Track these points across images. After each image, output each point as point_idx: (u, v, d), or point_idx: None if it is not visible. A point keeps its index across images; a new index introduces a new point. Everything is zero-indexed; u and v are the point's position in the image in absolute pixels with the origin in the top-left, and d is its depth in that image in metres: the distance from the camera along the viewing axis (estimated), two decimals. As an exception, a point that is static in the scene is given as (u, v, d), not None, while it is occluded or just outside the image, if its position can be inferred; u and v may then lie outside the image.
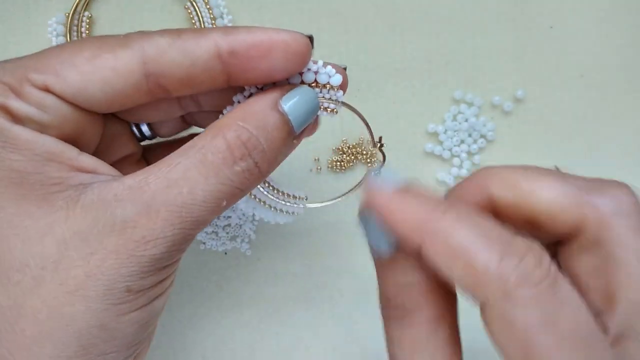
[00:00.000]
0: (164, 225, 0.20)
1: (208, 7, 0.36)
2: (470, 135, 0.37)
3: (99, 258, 0.19)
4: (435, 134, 0.37)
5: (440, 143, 0.37)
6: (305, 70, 0.23)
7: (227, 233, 0.35)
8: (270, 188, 0.27)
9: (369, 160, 0.36)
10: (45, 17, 0.36)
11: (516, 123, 0.37)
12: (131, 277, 0.20)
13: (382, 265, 0.21)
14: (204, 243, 0.35)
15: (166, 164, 0.20)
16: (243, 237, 0.35)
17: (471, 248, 0.17)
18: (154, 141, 0.28)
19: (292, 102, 0.22)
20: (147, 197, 0.20)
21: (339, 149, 0.36)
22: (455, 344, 0.21)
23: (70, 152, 0.21)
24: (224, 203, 0.21)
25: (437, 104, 0.37)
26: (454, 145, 0.36)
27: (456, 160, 0.36)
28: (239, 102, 0.23)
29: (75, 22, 0.35)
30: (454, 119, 0.37)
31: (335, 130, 0.36)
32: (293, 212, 0.27)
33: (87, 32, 0.35)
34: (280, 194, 0.27)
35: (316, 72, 0.23)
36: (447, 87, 0.37)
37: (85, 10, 0.35)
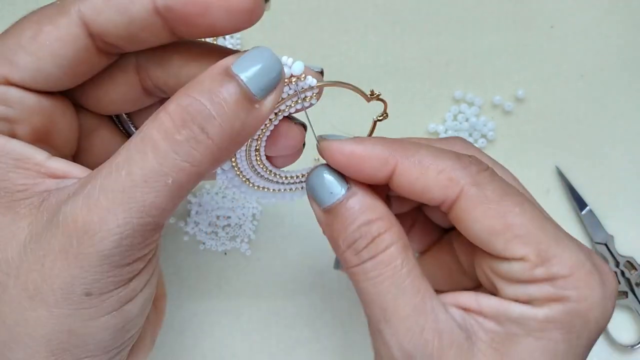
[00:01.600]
0: (104, 215, 0.18)
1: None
2: (470, 135, 0.37)
3: (51, 260, 0.18)
4: (436, 134, 0.37)
5: (441, 143, 0.37)
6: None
7: (227, 233, 0.35)
8: (270, 173, 0.26)
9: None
10: (44, 16, 0.35)
11: (516, 123, 0.37)
12: (85, 278, 0.18)
13: (335, 215, 0.23)
14: (204, 243, 0.35)
15: (115, 153, 0.19)
16: (243, 238, 0.35)
17: (440, 161, 0.22)
18: None
19: (245, 63, 0.19)
20: (89, 188, 0.18)
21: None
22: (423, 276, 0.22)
23: (39, 157, 0.20)
24: (170, 181, 0.18)
25: (438, 104, 0.37)
26: (455, 145, 0.36)
27: (456, 160, 0.36)
28: None
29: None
30: (455, 118, 0.37)
31: (334, 130, 0.36)
32: (296, 191, 0.27)
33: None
34: (279, 177, 0.26)
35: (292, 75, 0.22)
36: (447, 86, 0.37)
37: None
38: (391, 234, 0.22)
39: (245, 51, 0.20)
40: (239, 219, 0.35)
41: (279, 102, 0.22)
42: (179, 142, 0.18)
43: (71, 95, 0.23)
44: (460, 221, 0.22)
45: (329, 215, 0.23)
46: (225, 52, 0.22)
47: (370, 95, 0.25)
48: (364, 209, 0.22)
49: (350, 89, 0.24)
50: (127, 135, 0.26)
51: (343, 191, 0.23)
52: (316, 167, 0.24)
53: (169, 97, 0.20)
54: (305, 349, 0.35)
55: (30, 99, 0.21)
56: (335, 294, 0.35)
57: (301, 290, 0.35)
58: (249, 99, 0.20)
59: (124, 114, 0.25)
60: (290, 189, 0.26)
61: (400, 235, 0.22)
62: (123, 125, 0.26)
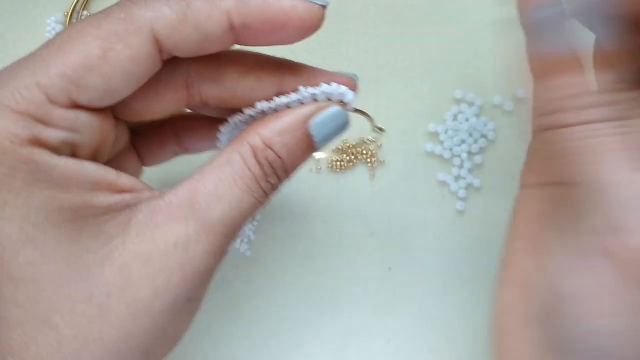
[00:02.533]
0: (221, 240, 0.21)
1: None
2: (471, 135, 0.37)
3: (166, 277, 0.20)
4: (436, 134, 0.37)
5: (441, 143, 0.37)
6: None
7: (227, 233, 0.35)
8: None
9: (369, 160, 0.36)
10: (44, 16, 0.35)
11: (517, 123, 0.37)
12: (194, 289, 0.21)
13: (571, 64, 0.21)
14: (204, 243, 0.35)
15: (210, 180, 0.21)
16: (243, 238, 0.35)
17: None
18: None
19: (322, 125, 0.22)
20: (202, 214, 0.21)
21: (339, 149, 0.36)
22: None
23: (110, 176, 0.21)
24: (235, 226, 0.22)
25: (438, 104, 0.37)
26: (455, 145, 0.36)
27: (457, 160, 0.36)
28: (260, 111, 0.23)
29: (74, 21, 0.35)
30: (455, 118, 0.37)
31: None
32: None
33: (86, 31, 0.35)
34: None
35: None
36: (447, 86, 0.37)
37: (84, 9, 0.35)
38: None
39: (321, 104, 0.23)
40: (239, 219, 0.35)
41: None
42: (268, 187, 0.22)
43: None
44: None
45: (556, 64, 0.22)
46: (280, 64, 0.24)
47: (378, 128, 0.27)
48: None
49: (367, 118, 0.27)
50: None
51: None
52: None
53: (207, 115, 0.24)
54: (306, 349, 0.35)
55: (96, 121, 0.20)
56: (335, 294, 0.35)
57: (301, 291, 0.35)
58: (314, 151, 0.23)
59: None
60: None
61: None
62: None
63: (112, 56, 0.19)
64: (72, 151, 0.20)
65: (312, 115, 0.22)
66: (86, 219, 0.20)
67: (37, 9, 0.35)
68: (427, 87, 0.37)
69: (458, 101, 0.37)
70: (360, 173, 0.36)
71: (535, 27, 0.21)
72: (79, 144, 0.20)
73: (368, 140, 0.36)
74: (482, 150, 0.37)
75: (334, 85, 0.23)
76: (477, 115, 0.37)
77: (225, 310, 0.35)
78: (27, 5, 0.35)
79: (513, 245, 0.25)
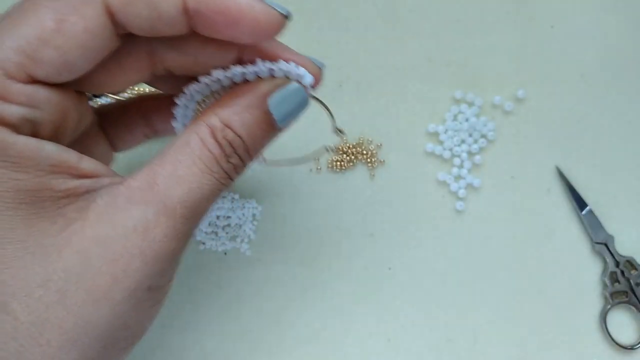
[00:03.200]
0: (182, 222, 0.20)
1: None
2: (470, 135, 0.37)
3: (125, 261, 0.19)
4: (435, 134, 0.37)
5: (441, 143, 0.37)
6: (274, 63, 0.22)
7: (227, 233, 0.35)
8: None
9: (369, 160, 0.36)
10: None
11: (517, 123, 0.37)
12: (154, 276, 0.20)
13: None
14: (204, 243, 0.35)
15: (168, 162, 0.21)
16: (243, 238, 0.35)
17: None
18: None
19: (280, 102, 0.22)
20: (162, 197, 0.20)
21: (339, 148, 0.36)
22: None
23: (72, 158, 0.20)
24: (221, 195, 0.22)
25: (438, 104, 0.37)
26: (455, 145, 0.36)
27: (457, 160, 0.36)
28: (217, 79, 0.23)
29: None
30: (455, 118, 0.37)
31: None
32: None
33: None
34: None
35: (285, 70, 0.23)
36: (447, 86, 0.37)
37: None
38: None
39: (279, 80, 0.22)
40: (239, 219, 0.35)
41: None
42: (229, 168, 0.22)
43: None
44: None
45: None
46: None
47: (338, 129, 0.26)
48: None
49: (326, 112, 0.26)
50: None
51: None
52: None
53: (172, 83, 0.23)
54: (306, 349, 0.35)
55: (56, 96, 0.20)
56: (335, 294, 0.35)
57: (301, 290, 0.35)
58: (275, 130, 0.23)
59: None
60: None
61: None
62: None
63: (66, 28, 0.19)
64: (32, 130, 0.19)
65: (269, 92, 0.22)
66: (44, 202, 0.19)
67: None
68: (428, 87, 0.37)
69: (458, 101, 0.37)
70: (360, 173, 0.36)
71: None
72: (39, 121, 0.19)
73: (368, 140, 0.36)
74: (481, 150, 0.37)
75: (292, 65, 0.22)
76: (477, 115, 0.37)
77: (226, 310, 0.35)
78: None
79: None
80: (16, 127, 0.19)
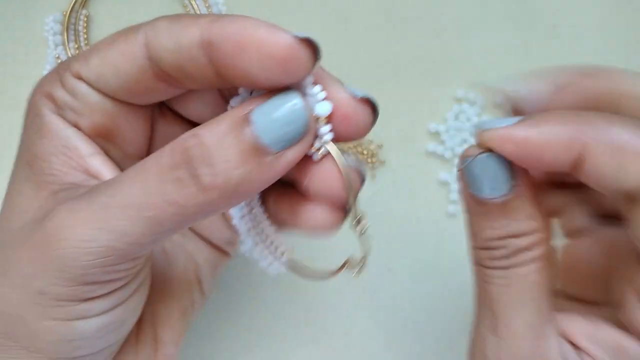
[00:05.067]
0: (77, 227, 0.18)
1: (207, 5, 0.36)
2: (472, 135, 0.36)
3: (26, 249, 0.19)
4: (437, 134, 0.36)
5: (442, 143, 0.36)
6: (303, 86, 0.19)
7: (227, 233, 0.35)
8: (260, 228, 0.24)
9: (369, 160, 0.36)
10: (42, 15, 0.35)
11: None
12: (44, 277, 0.19)
13: (487, 211, 0.20)
14: (203, 244, 0.35)
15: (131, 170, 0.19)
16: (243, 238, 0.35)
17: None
18: None
19: (265, 111, 0.18)
20: (81, 197, 0.19)
21: (339, 149, 0.36)
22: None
23: (83, 150, 0.21)
24: (149, 214, 0.18)
25: (439, 103, 0.37)
26: (456, 145, 0.36)
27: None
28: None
29: (73, 20, 0.35)
30: (456, 118, 0.37)
31: (335, 129, 0.36)
32: (274, 265, 0.24)
33: (84, 30, 0.35)
34: (266, 237, 0.25)
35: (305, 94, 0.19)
36: (449, 85, 0.37)
37: (82, 8, 0.35)
38: (538, 249, 0.19)
39: (274, 92, 0.19)
40: (239, 219, 0.35)
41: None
42: (166, 182, 0.18)
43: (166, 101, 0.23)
44: None
45: (480, 206, 0.20)
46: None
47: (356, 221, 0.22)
48: (521, 217, 0.20)
49: (354, 157, 0.22)
50: None
51: (507, 188, 0.20)
52: (481, 152, 0.20)
53: None
54: (306, 349, 0.34)
55: (94, 97, 0.21)
56: (336, 294, 0.35)
57: (301, 291, 0.35)
58: (259, 150, 0.18)
59: None
60: (271, 261, 0.24)
61: (546, 247, 0.20)
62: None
63: (112, 46, 0.20)
64: (75, 118, 0.21)
65: (255, 104, 0.19)
66: (38, 169, 0.21)
67: (36, 8, 0.35)
68: (429, 86, 0.37)
69: (459, 100, 0.37)
70: (360, 173, 0.36)
71: (467, 173, 0.20)
72: (80, 112, 0.21)
73: (369, 140, 0.36)
74: (483, 150, 0.37)
75: (308, 81, 0.19)
76: (479, 115, 0.37)
77: (225, 310, 0.35)
78: (25, 4, 0.35)
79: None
80: (60, 109, 0.21)
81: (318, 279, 0.24)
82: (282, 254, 0.24)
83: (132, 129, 0.23)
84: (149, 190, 0.18)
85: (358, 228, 0.21)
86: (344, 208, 0.22)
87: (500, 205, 0.20)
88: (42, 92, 0.21)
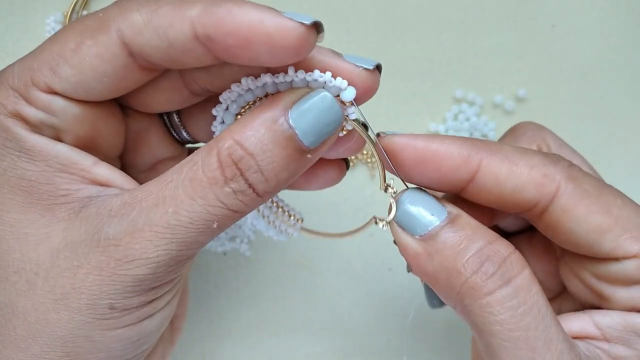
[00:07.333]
0: (146, 246, 0.19)
1: None
2: (471, 135, 0.36)
3: (84, 272, 0.19)
4: (436, 134, 0.37)
5: (441, 143, 0.36)
6: (311, 73, 0.20)
7: (227, 234, 0.35)
8: (273, 203, 0.25)
9: (369, 160, 0.36)
10: (43, 15, 0.35)
11: (518, 122, 0.37)
12: (114, 295, 0.19)
13: (446, 237, 0.21)
14: (204, 243, 0.35)
15: (161, 181, 0.20)
16: (242, 238, 0.35)
17: (529, 156, 0.20)
18: (198, 145, 0.27)
19: (303, 113, 0.19)
20: (134, 215, 0.19)
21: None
22: None
23: (85, 162, 0.21)
24: (215, 225, 0.19)
25: (438, 104, 0.37)
26: (455, 145, 0.36)
27: (457, 160, 0.36)
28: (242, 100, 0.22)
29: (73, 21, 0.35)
30: (456, 118, 0.37)
31: (335, 129, 0.36)
32: (286, 231, 0.25)
33: (85, 31, 0.35)
34: (277, 207, 0.25)
35: (324, 84, 0.20)
36: (448, 86, 0.37)
37: (83, 9, 0.35)
38: (518, 254, 0.20)
39: (303, 90, 0.20)
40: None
41: None
42: (226, 194, 0.19)
43: (118, 98, 0.22)
44: (557, 224, 0.20)
45: (429, 243, 0.20)
46: None
47: (387, 185, 0.22)
48: (477, 228, 0.20)
49: (379, 159, 0.22)
50: (176, 136, 0.26)
51: (444, 212, 0.20)
52: (402, 191, 0.21)
53: (217, 94, 0.21)
54: (305, 349, 0.35)
55: (73, 108, 0.21)
56: (335, 294, 0.35)
57: (301, 291, 0.35)
58: (302, 151, 0.19)
59: (174, 115, 0.25)
60: (281, 230, 0.25)
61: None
62: (172, 125, 0.26)
63: (82, 50, 0.20)
64: (54, 135, 0.21)
65: (287, 104, 0.19)
66: (42, 195, 0.20)
67: (36, 8, 0.35)
68: (428, 87, 0.37)
69: (458, 100, 0.37)
70: (360, 173, 0.36)
71: (402, 214, 0.21)
72: (60, 128, 0.21)
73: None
74: (482, 150, 0.37)
75: (327, 75, 0.19)
76: (478, 115, 0.37)
77: (225, 311, 0.35)
78: (26, 4, 0.35)
79: None
80: (36, 127, 0.20)
81: (335, 237, 0.26)
82: (298, 220, 0.26)
83: (112, 133, 0.23)
84: (213, 204, 0.19)
85: (389, 191, 0.22)
86: (345, 162, 0.24)
87: (450, 228, 0.20)
88: (3, 113, 0.20)
